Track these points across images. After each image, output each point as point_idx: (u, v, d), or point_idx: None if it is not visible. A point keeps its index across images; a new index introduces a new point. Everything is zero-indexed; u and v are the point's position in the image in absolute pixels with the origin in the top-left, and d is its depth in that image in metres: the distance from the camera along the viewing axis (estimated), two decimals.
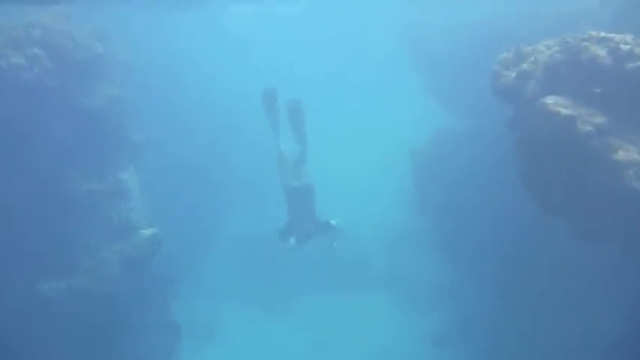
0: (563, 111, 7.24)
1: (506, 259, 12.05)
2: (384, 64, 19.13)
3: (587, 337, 9.75)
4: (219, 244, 16.67)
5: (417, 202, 15.56)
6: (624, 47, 7.17)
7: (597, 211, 7.55)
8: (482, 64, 12.63)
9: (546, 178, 7.97)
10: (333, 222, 9.33)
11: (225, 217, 16.83)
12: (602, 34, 7.42)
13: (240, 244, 16.99)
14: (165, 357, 11.99)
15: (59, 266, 10.38)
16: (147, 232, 11.07)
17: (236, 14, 16.00)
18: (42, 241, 10.32)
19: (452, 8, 14.57)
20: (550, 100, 7.37)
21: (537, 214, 8.78)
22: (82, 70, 10.71)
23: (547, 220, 8.70)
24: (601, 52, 7.26)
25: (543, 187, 8.12)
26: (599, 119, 7.17)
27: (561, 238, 9.31)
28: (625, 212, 7.16)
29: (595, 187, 7.33)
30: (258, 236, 15.98)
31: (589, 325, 9.77)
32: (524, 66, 8.05)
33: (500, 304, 12.08)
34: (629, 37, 7.31)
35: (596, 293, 9.73)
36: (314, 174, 10.08)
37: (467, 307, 13.35)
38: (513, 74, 8.19)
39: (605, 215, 7.48)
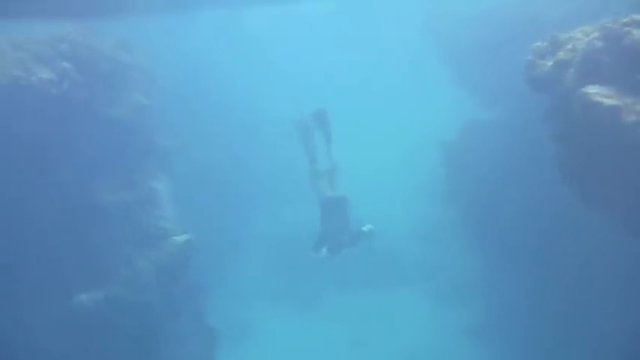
0: (606, 101, 6.94)
1: (538, 250, 11.83)
2: (410, 56, 18.86)
3: (624, 328, 9.51)
4: (248, 245, 16.69)
5: (447, 194, 15.33)
6: None
7: None
8: (509, 51, 12.45)
9: (588, 171, 7.69)
10: (364, 228, 9.26)
11: (252, 218, 16.83)
12: None
13: (269, 244, 16.99)
14: None
15: (95, 277, 10.46)
16: (180, 238, 11.11)
17: (259, 15, 15.90)
18: (77, 252, 10.42)
19: None
20: (591, 89, 7.07)
21: (569, 205, 8.54)
22: (110, 80, 10.82)
23: (579, 210, 8.42)
24: None
25: (585, 181, 7.85)
26: None
27: (594, 228, 9.18)
28: None
29: None
30: (287, 235, 15.94)
31: (626, 317, 9.51)
32: (561, 54, 7.75)
33: (534, 296, 11.89)
34: None
35: (632, 284, 9.40)
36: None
37: (501, 299, 13.13)
38: (549, 63, 7.90)
39: None
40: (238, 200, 16.13)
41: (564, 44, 7.80)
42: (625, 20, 7.24)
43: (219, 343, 12.53)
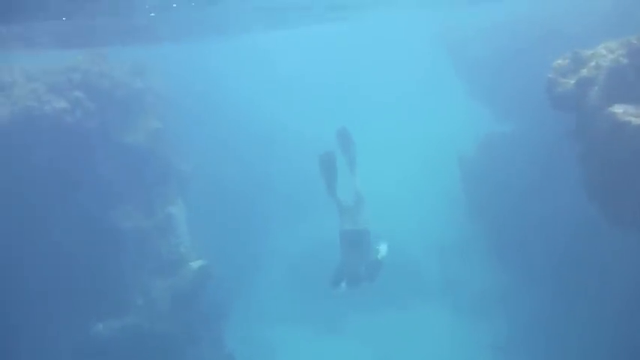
0: (634, 120, 6.72)
1: (560, 263, 11.61)
2: (424, 70, 18.72)
3: None
4: (267, 264, 16.54)
5: (467, 208, 15.12)
6: None
7: None
8: (525, 64, 12.30)
9: (617, 191, 7.44)
10: (379, 256, 9.10)
11: (271, 235, 16.70)
12: None
13: (289, 262, 16.80)
14: None
15: (113, 305, 10.43)
16: (195, 264, 11.01)
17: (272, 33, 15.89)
18: (95, 281, 10.38)
19: (490, 7, 14.03)
20: (618, 109, 6.85)
21: (590, 218, 8.35)
22: (124, 107, 10.83)
23: (601, 224, 8.21)
24: None
25: (613, 201, 7.60)
26: None
27: (616, 241, 8.95)
28: None
29: None
30: (307, 252, 15.78)
31: None
32: (584, 72, 7.53)
33: (558, 309, 11.67)
34: None
35: None
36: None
37: (524, 313, 12.86)
38: (572, 81, 7.68)
39: None
40: (257, 217, 15.99)
41: (587, 61, 7.59)
42: None
43: None
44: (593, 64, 7.50)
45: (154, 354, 10.37)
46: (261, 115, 16.99)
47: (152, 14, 8.56)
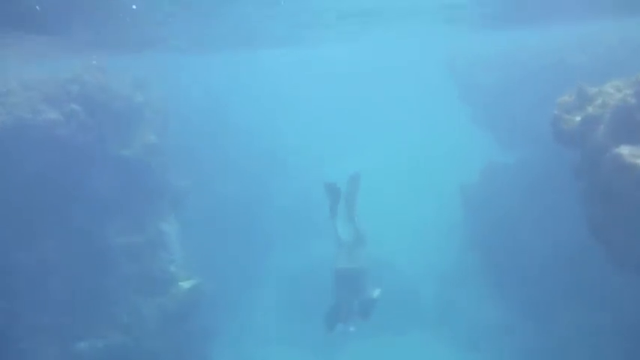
0: None
1: (559, 295, 11.55)
2: (429, 96, 18.67)
3: None
4: (265, 283, 16.29)
5: (468, 236, 14.94)
6: None
7: None
8: (529, 93, 12.23)
9: (620, 232, 7.22)
10: (375, 295, 8.99)
11: (270, 254, 16.47)
12: None
13: (287, 281, 16.55)
14: None
15: (98, 323, 10.17)
16: (186, 284, 10.80)
17: (277, 53, 15.85)
18: (82, 297, 10.15)
19: (496, 35, 13.99)
20: (624, 150, 6.66)
21: (591, 251, 8.15)
22: (121, 120, 10.65)
23: (601, 255, 7.95)
24: None
25: (616, 241, 7.38)
26: None
27: (616, 273, 8.69)
28: None
29: None
30: (305, 271, 15.54)
31: None
32: (590, 110, 7.36)
33: (555, 341, 11.48)
34: None
35: None
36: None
37: (521, 345, 12.66)
38: (577, 119, 7.52)
39: None
40: (257, 235, 15.78)
41: (593, 99, 7.42)
42: None
43: None
44: (599, 101, 7.33)
45: None
46: (263, 133, 16.88)
47: (134, 6, 8.27)
